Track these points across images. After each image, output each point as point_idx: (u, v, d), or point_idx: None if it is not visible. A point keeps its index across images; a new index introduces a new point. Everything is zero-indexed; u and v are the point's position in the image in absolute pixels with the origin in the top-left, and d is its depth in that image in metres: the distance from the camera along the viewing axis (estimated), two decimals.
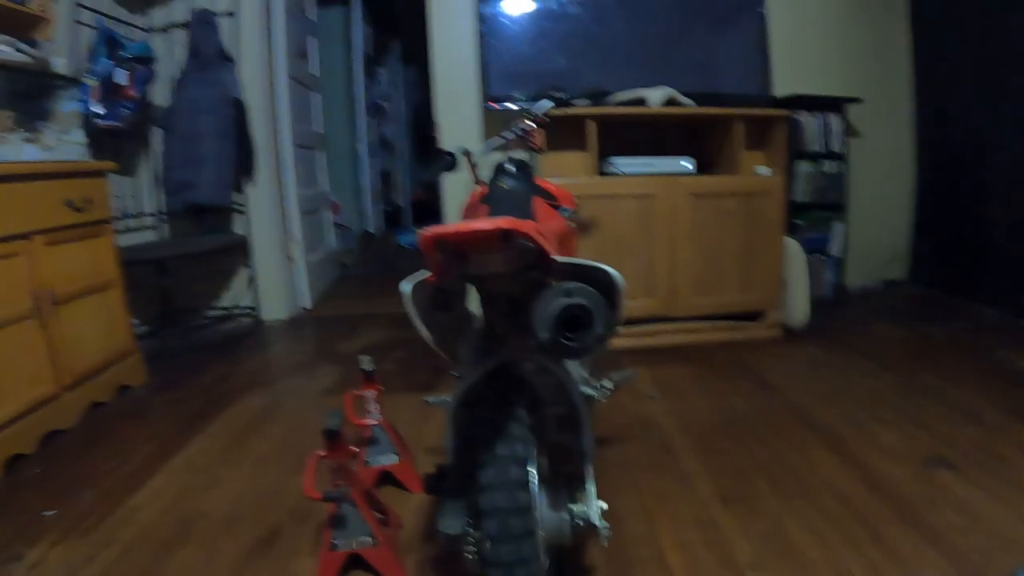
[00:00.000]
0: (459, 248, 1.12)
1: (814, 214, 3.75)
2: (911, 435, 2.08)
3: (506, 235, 1.06)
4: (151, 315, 3.72)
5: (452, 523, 1.19)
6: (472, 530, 1.19)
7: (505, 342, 1.35)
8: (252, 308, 3.86)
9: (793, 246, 3.22)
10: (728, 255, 3.13)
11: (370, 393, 1.86)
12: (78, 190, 2.64)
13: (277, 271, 3.98)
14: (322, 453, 1.46)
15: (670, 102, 3.15)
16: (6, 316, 2.25)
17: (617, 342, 3.01)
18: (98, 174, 2.81)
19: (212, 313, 3.91)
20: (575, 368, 1.68)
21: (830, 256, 3.83)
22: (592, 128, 3.08)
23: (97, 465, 2.17)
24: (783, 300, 3.22)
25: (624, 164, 3.12)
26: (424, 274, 1.21)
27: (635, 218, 3.05)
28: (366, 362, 1.85)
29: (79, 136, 2.94)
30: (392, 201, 7.48)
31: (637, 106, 3.15)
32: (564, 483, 1.32)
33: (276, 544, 1.68)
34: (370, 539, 1.51)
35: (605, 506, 1.29)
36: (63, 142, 2.78)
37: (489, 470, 1.16)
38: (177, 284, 3.84)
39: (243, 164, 3.71)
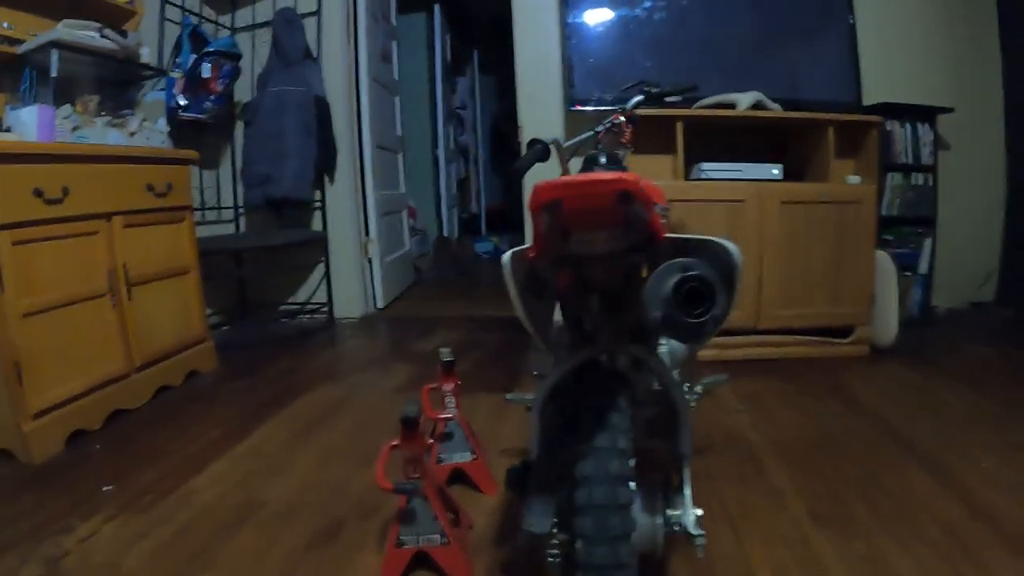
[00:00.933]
0: (572, 209, 0.97)
1: (903, 229, 3.48)
2: (1015, 460, 1.86)
3: (624, 196, 0.93)
4: (227, 306, 3.72)
5: (539, 521, 1.09)
6: (558, 531, 1.11)
7: (597, 336, 1.23)
8: (326, 305, 3.81)
9: (884, 260, 3.00)
10: (817, 266, 2.94)
11: (448, 386, 1.75)
12: (160, 176, 2.64)
13: (352, 269, 3.94)
14: (396, 443, 1.36)
15: (757, 107, 2.98)
16: (81, 292, 2.24)
17: (700, 353, 2.81)
18: (181, 162, 2.81)
19: (286, 308, 3.88)
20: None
21: (918, 274, 3.53)
22: (680, 130, 2.95)
23: (160, 445, 2.12)
24: (872, 316, 2.99)
25: (712, 169, 2.96)
26: (523, 248, 1.12)
27: (723, 224, 2.89)
28: (446, 353, 1.75)
29: (162, 125, 2.95)
30: (468, 208, 7.45)
31: (726, 109, 2.99)
32: (658, 487, 1.21)
33: (338, 537, 1.57)
34: (439, 537, 1.39)
35: (701, 513, 1.17)
36: (146, 129, 2.79)
37: (588, 462, 1.05)
38: (254, 277, 3.85)
39: (324, 161, 3.69)
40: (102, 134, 2.60)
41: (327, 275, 3.79)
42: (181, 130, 3.24)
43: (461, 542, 1.44)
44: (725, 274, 1.03)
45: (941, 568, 1.38)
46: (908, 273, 3.45)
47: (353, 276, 3.94)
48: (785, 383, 2.57)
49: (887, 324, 2.98)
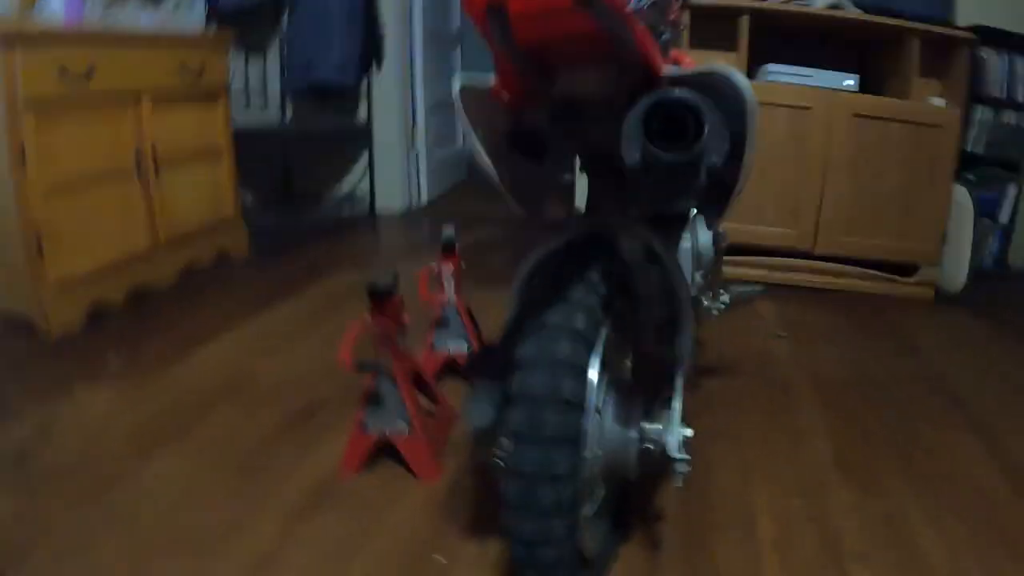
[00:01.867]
0: (519, 14, 0.74)
1: (986, 170, 3.09)
2: None
3: None
4: (270, 195, 3.77)
5: (480, 412, 0.94)
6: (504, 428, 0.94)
7: (593, 209, 1.12)
8: (368, 197, 3.81)
9: (962, 196, 2.69)
10: (886, 193, 2.66)
11: (447, 267, 1.64)
12: (192, 58, 2.62)
13: (397, 162, 3.89)
14: (363, 320, 1.27)
15: (835, 7, 2.68)
16: (107, 170, 2.28)
17: (746, 272, 2.66)
18: (214, 45, 2.78)
19: (329, 197, 3.90)
20: (685, 263, 1.40)
21: (998, 223, 3.17)
22: (745, 25, 2.68)
23: (175, 321, 2.19)
24: (941, 257, 2.72)
25: (778, 72, 2.70)
26: (482, 79, 0.94)
27: (786, 132, 2.65)
28: (447, 231, 1.64)
29: (199, 9, 2.91)
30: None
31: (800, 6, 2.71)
32: (639, 396, 1.05)
33: (314, 418, 1.59)
34: (405, 427, 1.33)
35: (690, 433, 0.99)
36: (181, 12, 2.76)
37: (530, 342, 0.88)
38: (297, 167, 3.86)
39: (370, 48, 3.59)
40: (134, 16, 2.58)
41: (370, 166, 3.76)
42: (224, 16, 3.20)
43: (432, 436, 1.38)
44: (731, 115, 0.88)
45: (969, 548, 1.18)
46: (987, 220, 3.08)
47: (397, 169, 3.90)
48: (836, 316, 2.37)
49: (957, 268, 2.70)
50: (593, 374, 0.91)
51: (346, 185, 3.93)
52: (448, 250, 1.64)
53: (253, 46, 3.61)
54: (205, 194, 2.74)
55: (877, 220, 2.68)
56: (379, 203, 3.80)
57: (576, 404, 0.87)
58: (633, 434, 0.99)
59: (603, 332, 0.95)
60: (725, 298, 1.55)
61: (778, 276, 2.72)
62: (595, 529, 1.03)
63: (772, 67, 2.70)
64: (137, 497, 1.29)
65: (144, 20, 2.61)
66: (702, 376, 1.80)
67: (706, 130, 0.81)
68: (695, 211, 1.45)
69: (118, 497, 1.29)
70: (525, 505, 0.86)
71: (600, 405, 0.95)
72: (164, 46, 2.50)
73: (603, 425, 0.97)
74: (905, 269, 2.72)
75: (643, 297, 1.07)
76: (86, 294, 2.19)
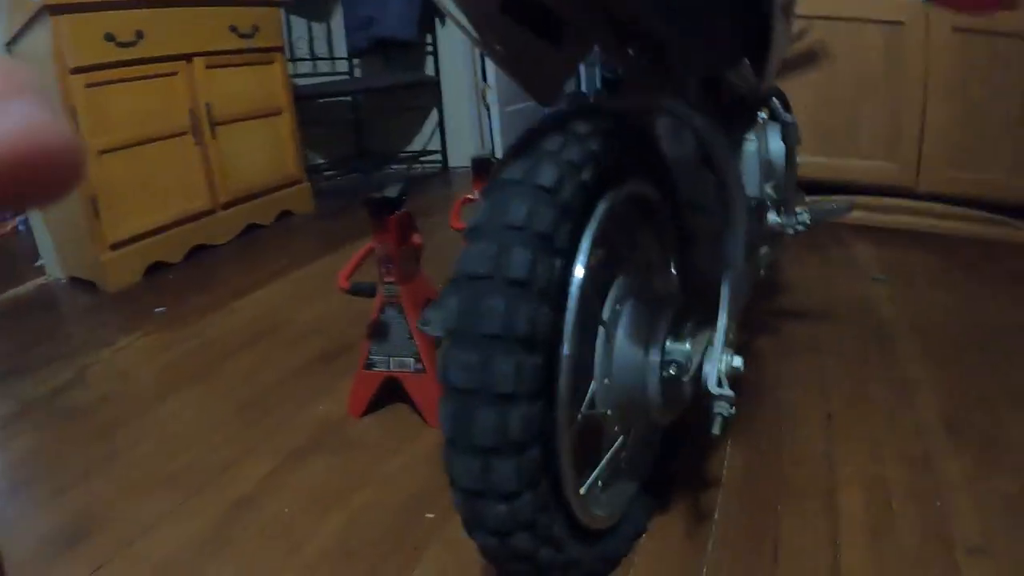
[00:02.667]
0: None
1: None
2: None
3: None
4: (342, 154, 3.78)
5: (437, 319, 0.81)
6: None
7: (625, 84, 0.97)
8: (440, 152, 3.75)
9: None
10: (999, 120, 2.26)
11: (480, 192, 1.54)
12: (244, 18, 2.62)
13: (467, 117, 3.81)
14: (371, 244, 1.17)
15: None
16: (161, 131, 2.31)
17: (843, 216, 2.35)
18: (268, 4, 2.77)
19: (401, 155, 3.87)
20: (752, 169, 1.20)
21: None
22: None
23: (227, 275, 2.20)
24: None
25: None
26: None
27: (877, 51, 2.34)
28: (482, 154, 1.52)
29: None
30: (613, 68, 6.95)
31: None
32: (667, 314, 0.83)
33: (335, 361, 1.54)
34: (412, 362, 1.21)
35: (739, 363, 0.81)
36: None
37: (483, 205, 0.67)
38: (370, 127, 3.85)
39: (431, 3, 3.51)
40: None
41: (440, 122, 3.70)
42: None
43: None
44: None
45: None
46: None
47: (468, 124, 3.82)
48: (942, 261, 2.02)
49: None
50: (581, 257, 0.69)
51: (418, 143, 3.88)
52: (480, 172, 1.51)
53: (316, 9, 3.60)
54: (266, 154, 2.75)
55: (989, 153, 2.28)
56: (452, 159, 3.74)
57: (535, 287, 0.62)
58: (654, 357, 0.78)
59: (601, 208, 0.73)
60: (804, 215, 1.28)
61: (878, 218, 2.39)
62: (614, 492, 0.88)
63: None
64: (145, 435, 1.29)
65: None
66: (784, 319, 1.60)
67: None
68: (763, 115, 1.28)
69: (127, 435, 1.29)
70: (459, 435, 0.64)
71: (608, 316, 0.77)
72: (212, 8, 2.50)
73: (613, 345, 0.77)
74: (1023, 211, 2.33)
75: (682, 191, 0.93)
76: (144, 253, 2.24)
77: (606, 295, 0.79)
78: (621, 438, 0.86)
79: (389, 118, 3.81)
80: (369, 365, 1.26)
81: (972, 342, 1.44)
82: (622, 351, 0.78)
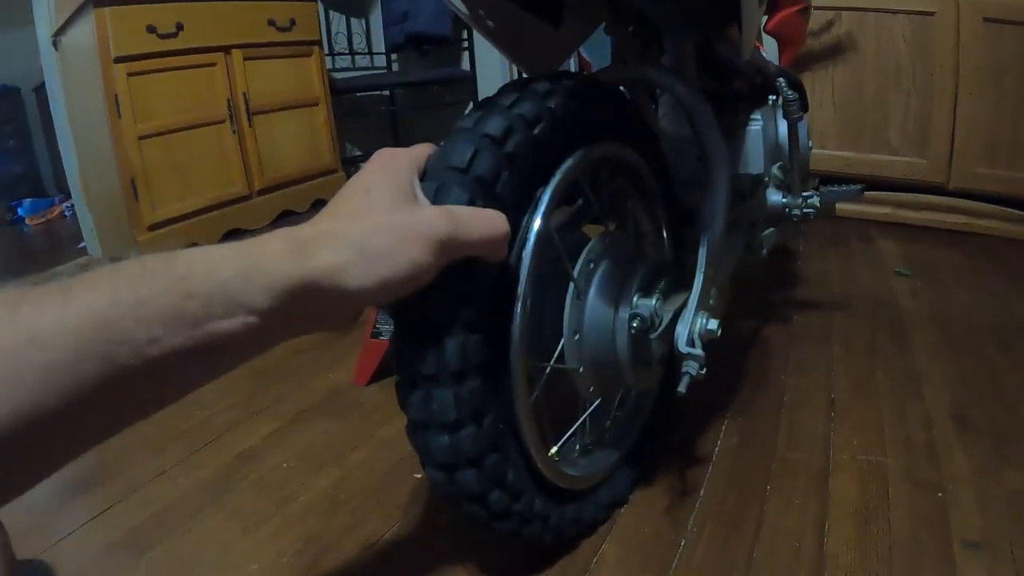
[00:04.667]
0: None
1: None
2: None
3: None
4: (375, 147, 3.83)
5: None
6: None
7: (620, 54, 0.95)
8: None
9: None
10: None
11: None
12: (282, 12, 2.71)
13: None
14: None
15: None
16: (200, 119, 2.41)
17: (868, 209, 2.33)
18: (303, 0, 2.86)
19: None
20: (755, 148, 1.24)
21: None
22: None
23: None
24: None
25: None
26: None
27: (908, 44, 2.29)
28: None
29: None
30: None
31: None
32: (639, 271, 0.84)
33: (353, 333, 1.54)
34: None
35: (714, 325, 0.81)
36: None
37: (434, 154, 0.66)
38: (407, 120, 3.91)
39: None
40: None
41: None
42: None
43: None
44: None
45: None
46: None
47: None
48: (973, 259, 1.94)
49: None
50: (540, 210, 0.69)
51: None
52: None
53: (355, 4, 3.68)
54: (302, 143, 2.83)
55: (1023, 149, 2.20)
56: None
57: None
58: (623, 314, 0.79)
59: (564, 166, 0.73)
60: (814, 198, 1.26)
61: (906, 214, 2.34)
62: (592, 456, 0.89)
63: None
64: None
65: None
66: (798, 308, 1.58)
67: None
68: (773, 97, 1.29)
69: None
70: (404, 367, 0.64)
71: (579, 272, 0.78)
72: (251, 2, 2.59)
73: (584, 301, 0.78)
74: None
75: (669, 156, 0.93)
76: (180, 235, 2.32)
77: (579, 253, 0.80)
78: (599, 400, 0.87)
79: (425, 112, 3.86)
80: (376, 334, 1.31)
81: (991, 337, 1.40)
82: (592, 307, 0.79)
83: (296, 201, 2.78)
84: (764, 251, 1.28)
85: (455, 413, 0.62)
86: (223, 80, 2.48)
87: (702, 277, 0.84)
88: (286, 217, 2.69)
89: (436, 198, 0.61)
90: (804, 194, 1.30)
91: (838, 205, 2.34)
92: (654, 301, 0.80)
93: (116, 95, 2.15)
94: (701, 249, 0.87)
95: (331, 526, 0.92)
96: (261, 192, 2.62)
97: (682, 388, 0.79)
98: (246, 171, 2.56)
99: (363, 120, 3.65)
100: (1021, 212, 2.18)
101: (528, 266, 0.68)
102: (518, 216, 0.68)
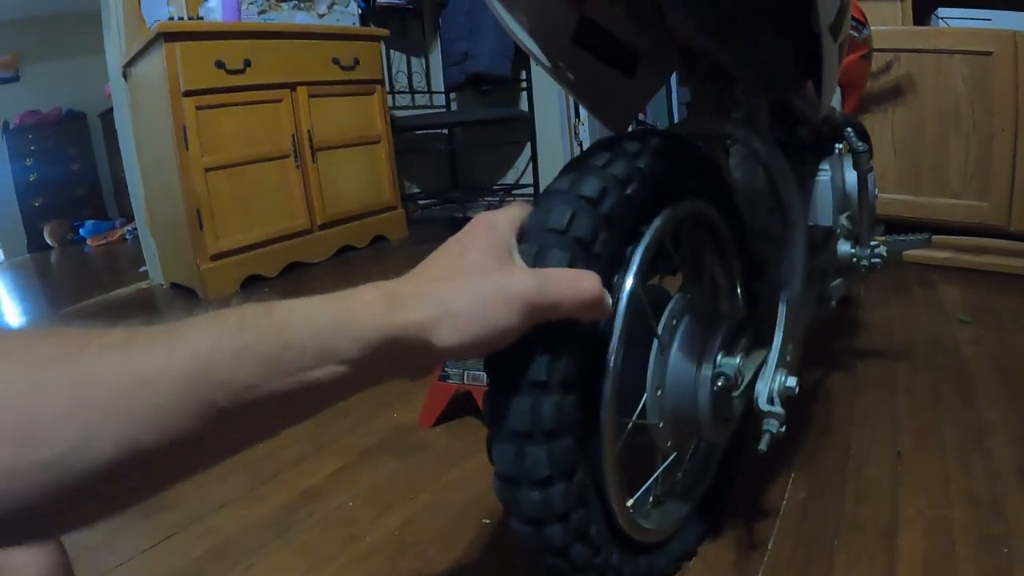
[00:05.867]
0: None
1: None
2: None
3: None
4: (438, 186, 3.91)
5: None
6: None
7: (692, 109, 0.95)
8: (532, 186, 3.82)
9: None
10: None
11: None
12: (346, 51, 2.78)
13: (559, 150, 3.87)
14: None
15: None
16: (264, 153, 2.47)
17: (927, 254, 2.27)
18: (369, 38, 2.94)
19: (493, 187, 3.98)
20: (824, 199, 1.16)
21: None
22: None
23: (318, 290, 2.24)
24: None
25: (951, 16, 2.35)
26: None
27: (966, 84, 2.25)
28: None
29: (353, 7, 3.07)
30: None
31: None
32: (721, 329, 0.83)
33: None
34: (485, 376, 1.26)
35: (793, 383, 0.80)
36: (336, 12, 2.93)
37: (530, 216, 0.66)
38: (465, 159, 3.97)
39: None
40: (289, 16, 2.78)
41: (533, 156, 3.77)
42: (382, 17, 3.36)
43: None
44: None
45: None
46: None
47: (561, 158, 3.87)
48: None
49: None
50: (632, 268, 0.69)
51: (511, 176, 3.97)
52: None
53: (415, 44, 3.76)
54: (363, 180, 2.88)
55: None
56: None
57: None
58: (706, 372, 0.78)
59: (654, 224, 0.73)
60: (882, 249, 1.24)
61: (967, 259, 2.27)
62: (665, 507, 0.88)
63: (944, 11, 2.35)
64: None
65: (299, 20, 2.79)
66: (861, 357, 1.54)
67: None
68: (839, 146, 1.27)
69: None
70: (498, 421, 0.64)
71: (663, 329, 0.77)
72: (317, 41, 2.67)
73: (666, 357, 0.77)
74: None
75: (745, 211, 0.93)
76: (242, 265, 2.37)
77: (663, 310, 0.80)
78: (675, 454, 0.86)
79: (483, 151, 3.92)
80: (444, 377, 1.31)
81: None
82: (675, 363, 0.78)
83: (356, 237, 2.83)
84: (833, 302, 1.26)
85: (548, 470, 0.62)
86: (288, 116, 2.55)
87: (782, 334, 0.83)
88: (346, 252, 2.74)
89: (536, 261, 0.61)
90: (872, 243, 1.28)
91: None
92: (738, 360, 0.79)
93: (184, 127, 2.22)
94: (781, 306, 0.85)
95: (398, 568, 0.92)
96: (322, 227, 2.67)
97: (763, 446, 0.78)
98: (308, 205, 2.61)
99: (421, 158, 3.72)
100: None
101: (620, 325, 0.68)
102: (610, 275, 0.69)
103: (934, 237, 2.21)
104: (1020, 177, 2.19)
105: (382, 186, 3.00)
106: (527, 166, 3.84)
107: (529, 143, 3.76)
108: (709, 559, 0.90)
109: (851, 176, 1.29)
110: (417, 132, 3.55)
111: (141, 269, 2.67)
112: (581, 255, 0.63)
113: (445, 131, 3.86)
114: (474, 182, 4.02)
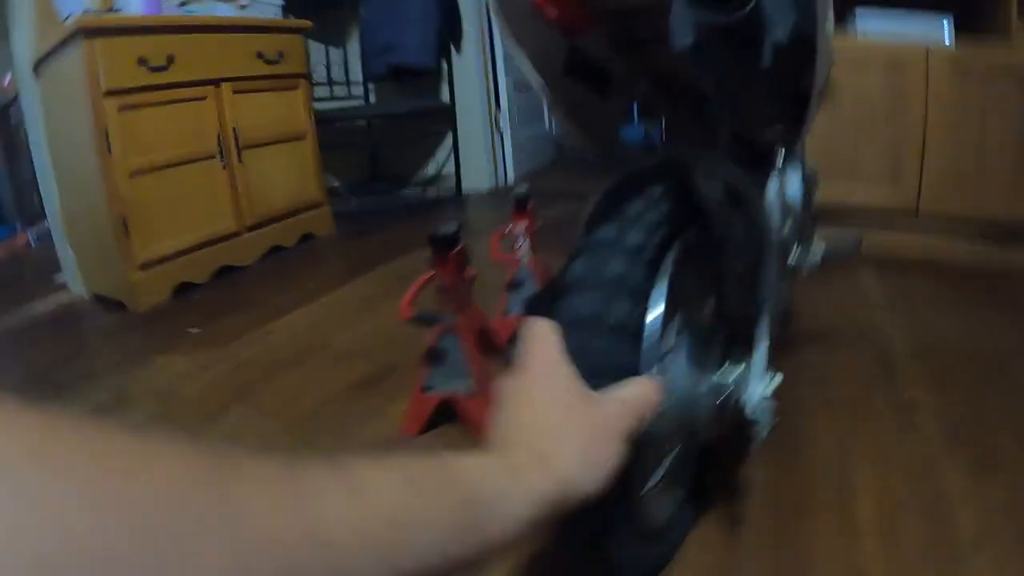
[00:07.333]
0: None
1: None
2: None
3: None
4: (356, 178, 3.83)
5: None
6: None
7: (666, 142, 1.03)
8: (453, 177, 3.79)
9: None
10: (993, 152, 2.39)
11: (519, 226, 1.55)
12: (271, 45, 2.67)
13: (481, 142, 3.87)
14: (429, 273, 1.23)
15: None
16: (190, 154, 2.35)
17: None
18: (292, 31, 2.83)
19: (416, 179, 3.93)
20: (772, 211, 1.28)
21: None
22: None
23: (256, 296, 2.23)
24: None
25: (868, 21, 2.49)
26: None
27: (882, 90, 2.45)
28: (520, 188, 1.57)
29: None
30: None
31: None
32: (717, 343, 0.93)
33: (382, 383, 1.56)
34: (467, 385, 1.26)
35: (779, 379, 0.89)
36: (259, 3, 2.81)
37: (579, 261, 0.77)
38: (384, 150, 3.91)
39: (448, 29, 3.58)
40: (211, 7, 2.63)
41: (455, 147, 3.74)
42: (303, 6, 3.24)
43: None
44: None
45: None
46: None
47: (482, 149, 3.87)
48: (945, 287, 2.08)
49: None
50: (658, 303, 0.78)
51: (432, 167, 3.94)
52: (521, 207, 1.56)
53: (333, 35, 3.66)
54: (289, 177, 2.78)
55: (987, 181, 2.40)
56: (465, 183, 3.79)
57: (628, 331, 0.73)
58: (703, 388, 0.86)
59: (671, 258, 0.82)
60: (818, 252, 1.36)
61: (882, 244, 2.41)
62: (665, 497, 0.93)
63: (863, 13, 2.50)
64: None
65: (221, 12, 2.66)
66: (793, 346, 1.63)
67: None
68: (783, 154, 1.33)
69: None
70: None
71: (670, 346, 0.83)
72: (241, 35, 2.55)
73: (672, 371, 0.84)
74: (1020, 236, 2.39)
75: (721, 234, 0.97)
76: (172, 273, 2.26)
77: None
78: (677, 449, 0.91)
79: (403, 142, 3.86)
80: (426, 388, 1.30)
81: (971, 366, 1.51)
82: (680, 379, 0.85)
83: (285, 236, 2.73)
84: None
85: None
86: (213, 114, 2.43)
87: (765, 344, 0.89)
88: (275, 253, 2.64)
89: (603, 309, 0.72)
90: (812, 248, 1.38)
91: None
92: (736, 371, 0.86)
93: (106, 129, 2.08)
94: (761, 317, 0.91)
95: None
96: (251, 228, 2.56)
97: (757, 439, 0.86)
98: (236, 206, 2.50)
99: (340, 151, 3.62)
100: (985, 239, 2.38)
101: (651, 352, 0.77)
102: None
103: (849, 222, 2.40)
104: (928, 169, 2.43)
105: (308, 183, 2.90)
106: (448, 156, 3.81)
107: (450, 133, 3.73)
108: (700, 538, 0.99)
109: (793, 187, 1.36)
110: (336, 125, 3.46)
111: (56, 280, 2.49)
112: (635, 301, 0.75)
113: (365, 123, 3.78)
114: (394, 173, 3.96)
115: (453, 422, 1.31)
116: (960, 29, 2.48)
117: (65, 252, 2.42)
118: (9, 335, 2.09)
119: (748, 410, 0.84)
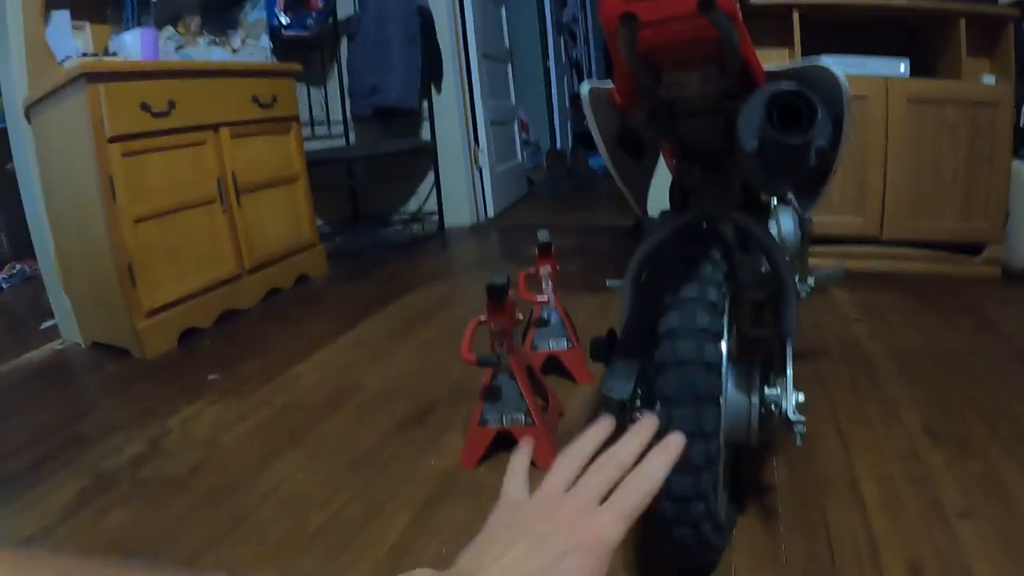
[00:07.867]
0: (648, 20, 0.81)
1: None
2: None
3: (705, 2, 0.77)
4: (340, 217, 3.83)
5: (619, 385, 0.99)
6: (641, 399, 1.00)
7: (698, 202, 1.15)
8: (436, 214, 3.81)
9: (1021, 173, 2.59)
10: (947, 174, 2.61)
11: (544, 269, 1.66)
12: (264, 88, 2.67)
13: (462, 178, 3.91)
14: (482, 318, 1.31)
15: None
16: (192, 199, 2.32)
17: (818, 260, 2.57)
18: (284, 74, 2.84)
19: (397, 217, 3.94)
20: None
21: None
22: (797, 20, 2.68)
23: (267, 339, 2.21)
24: (1005, 234, 2.62)
25: (833, 63, 2.62)
26: (605, 84, 1.04)
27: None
28: (543, 235, 1.66)
29: (265, 41, 2.97)
30: (582, 123, 7.22)
31: None
32: (756, 367, 1.08)
33: (428, 419, 1.57)
34: (523, 417, 1.33)
35: (802, 398, 1.04)
36: (249, 46, 2.82)
37: (672, 314, 0.96)
38: (366, 189, 3.92)
39: (429, 71, 3.64)
40: (206, 52, 2.64)
41: (436, 184, 3.77)
42: (285, 48, 3.26)
43: (548, 427, 1.37)
44: (831, 103, 0.94)
45: None
46: None
47: (463, 185, 3.92)
48: (909, 298, 2.32)
49: (1022, 245, 2.59)
50: (725, 342, 0.97)
51: (413, 204, 3.97)
52: (545, 252, 1.67)
53: (313, 76, 3.68)
54: (285, 219, 2.78)
55: (940, 202, 2.62)
56: (448, 219, 3.81)
57: (716, 367, 0.92)
58: (754, 399, 1.04)
59: (727, 306, 1.01)
60: (811, 281, 1.58)
61: (850, 264, 2.61)
62: (720, 497, 1.05)
63: (826, 59, 2.61)
64: (260, 499, 1.28)
65: (216, 56, 2.66)
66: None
67: (819, 115, 0.85)
68: (776, 200, 1.53)
69: (241, 500, 1.28)
70: (680, 462, 0.81)
71: (726, 372, 0.99)
72: (237, 79, 2.55)
73: (728, 395, 1.01)
74: (972, 249, 2.64)
75: (745, 284, 1.18)
76: (179, 319, 2.22)
77: None
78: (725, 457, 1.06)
79: (385, 181, 3.88)
80: (483, 422, 1.35)
81: (940, 365, 1.75)
82: (733, 397, 1.03)
83: (282, 278, 2.71)
84: None
85: (702, 460, 0.90)
86: (213, 159, 2.41)
87: (792, 364, 1.09)
88: (273, 295, 2.61)
89: (697, 352, 0.92)
90: (806, 277, 1.57)
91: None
92: (776, 389, 1.04)
93: (111, 176, 2.04)
94: (788, 349, 1.11)
95: None
96: (251, 271, 2.54)
97: (798, 442, 1.02)
98: (236, 250, 2.48)
99: (323, 191, 3.61)
100: (941, 253, 2.64)
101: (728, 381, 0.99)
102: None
103: (823, 247, 2.61)
104: (889, 196, 2.64)
105: (302, 224, 2.89)
106: (430, 193, 3.84)
107: (431, 171, 3.77)
108: (743, 527, 1.14)
109: (786, 226, 1.52)
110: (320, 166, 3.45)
111: (44, 326, 2.42)
112: (717, 344, 0.94)
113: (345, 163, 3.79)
114: (375, 211, 3.97)
115: (506, 451, 1.33)
116: (915, 70, 2.70)
117: (59, 298, 2.35)
118: (7, 386, 2.02)
119: (791, 415, 1.02)
